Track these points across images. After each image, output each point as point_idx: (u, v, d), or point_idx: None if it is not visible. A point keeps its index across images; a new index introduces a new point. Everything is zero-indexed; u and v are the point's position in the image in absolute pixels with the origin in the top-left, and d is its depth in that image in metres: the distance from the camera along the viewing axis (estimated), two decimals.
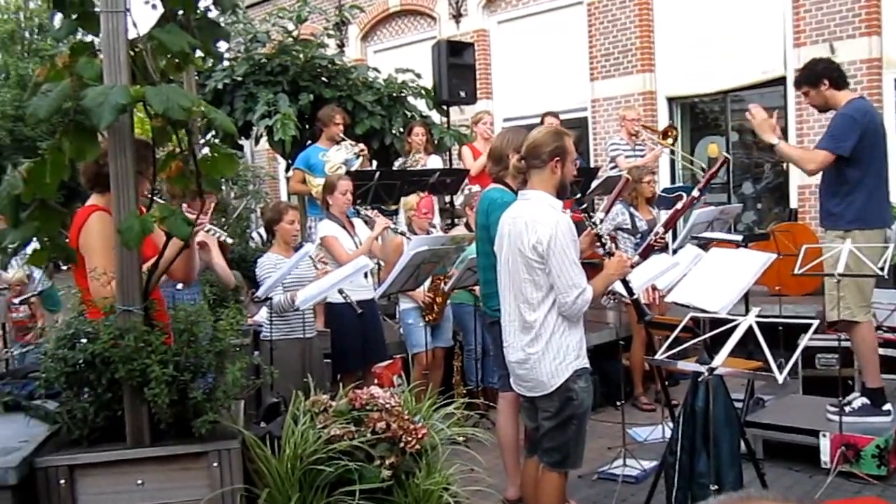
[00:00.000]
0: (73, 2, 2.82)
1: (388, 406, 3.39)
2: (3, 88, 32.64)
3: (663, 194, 7.74)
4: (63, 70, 2.76)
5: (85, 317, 3.05)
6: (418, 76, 9.20)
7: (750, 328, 3.38)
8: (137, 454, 2.93)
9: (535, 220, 3.52)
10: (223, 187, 9.71)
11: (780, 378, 3.11)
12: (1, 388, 3.33)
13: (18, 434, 3.05)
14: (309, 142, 8.07)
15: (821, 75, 5.06)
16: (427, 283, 6.01)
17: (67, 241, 3.23)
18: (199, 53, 3.33)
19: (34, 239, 3.01)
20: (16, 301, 7.26)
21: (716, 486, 3.52)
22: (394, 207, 7.53)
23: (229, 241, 4.78)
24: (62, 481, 2.85)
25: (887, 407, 4.99)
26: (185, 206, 3.59)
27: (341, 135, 7.49)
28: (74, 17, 2.90)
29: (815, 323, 3.45)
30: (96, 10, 2.86)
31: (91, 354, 2.86)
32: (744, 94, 10.70)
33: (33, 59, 33.02)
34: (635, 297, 3.90)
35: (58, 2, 2.84)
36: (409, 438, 3.30)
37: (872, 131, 4.95)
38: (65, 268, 8.88)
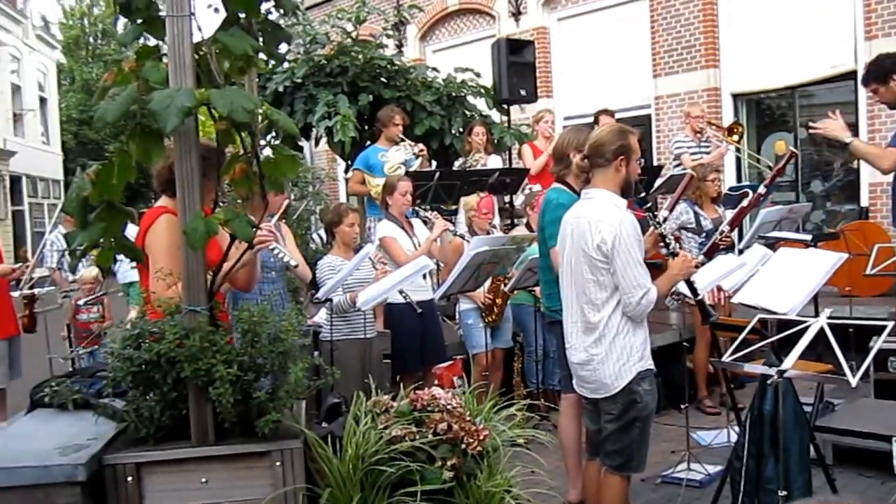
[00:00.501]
0: (139, 7, 2.86)
1: (449, 407, 3.37)
2: (68, 93, 33.76)
3: (729, 192, 7.57)
4: (130, 74, 2.80)
5: (148, 317, 3.09)
6: (478, 75, 9.17)
7: (820, 330, 3.28)
8: (202, 452, 2.96)
9: (599, 219, 3.47)
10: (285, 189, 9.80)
11: (854, 381, 3.01)
12: (70, 386, 3.40)
13: (87, 432, 3.10)
14: (368, 142, 8.11)
15: (890, 71, 4.88)
16: (486, 283, 5.99)
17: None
18: (261, 56, 3.35)
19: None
20: (81, 302, 7.42)
21: (784, 493, 3.42)
22: (453, 207, 7.53)
23: (293, 263, 4.91)
24: (129, 478, 2.89)
25: None
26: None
27: (401, 135, 7.50)
28: (140, 21, 2.94)
29: (890, 325, 3.33)
30: (162, 14, 2.90)
31: (157, 354, 2.89)
32: (812, 90, 10.42)
33: (97, 64, 34.11)
34: (700, 297, 3.81)
35: (124, 7, 2.88)
36: (471, 440, 3.28)
37: None
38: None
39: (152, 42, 3.00)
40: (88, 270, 7.37)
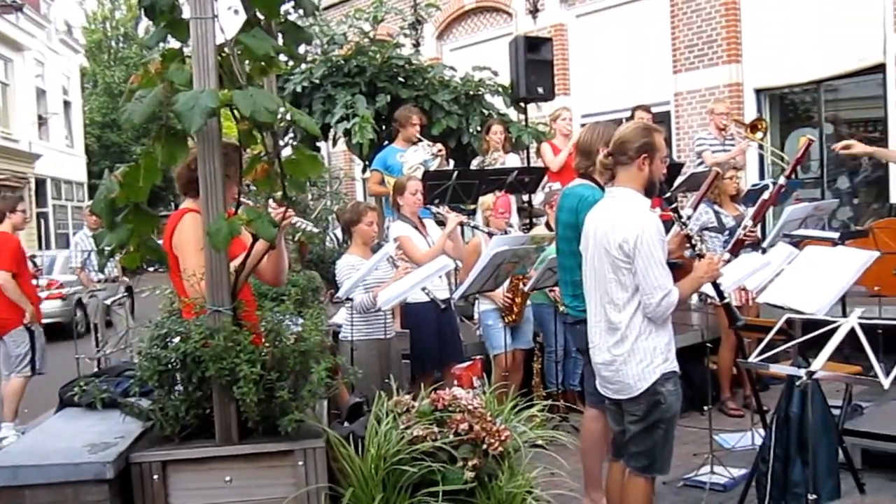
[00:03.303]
0: (164, 10, 2.88)
1: (470, 408, 3.37)
2: (91, 96, 34.07)
3: (751, 188, 7.50)
4: (155, 76, 2.83)
5: (180, 316, 3.12)
6: (495, 73, 9.15)
7: (850, 331, 3.24)
8: (226, 451, 2.99)
9: (621, 218, 3.44)
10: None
11: (887, 383, 2.96)
12: (98, 385, 3.44)
13: (114, 430, 3.16)
14: (386, 142, 8.12)
15: None
16: (506, 283, 5.97)
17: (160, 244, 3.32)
18: (281, 57, 3.36)
19: None
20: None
21: (814, 496, 3.38)
22: (472, 207, 7.51)
23: (314, 229, 4.71)
24: (155, 476, 2.94)
25: None
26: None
27: (418, 135, 7.50)
28: (164, 24, 2.96)
29: None
30: (185, 17, 2.91)
31: (182, 354, 2.93)
32: (838, 84, 10.26)
33: (119, 67, 34.40)
34: (727, 300, 3.76)
35: (148, 11, 2.90)
36: (492, 440, 3.27)
37: None
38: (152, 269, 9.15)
39: (175, 44, 3.01)
40: None
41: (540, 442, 3.70)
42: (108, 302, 7.55)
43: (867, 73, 9.79)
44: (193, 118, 2.60)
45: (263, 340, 3.06)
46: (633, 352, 3.46)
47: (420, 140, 7.51)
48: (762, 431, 4.38)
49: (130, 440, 3.05)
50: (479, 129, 8.65)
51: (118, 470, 2.87)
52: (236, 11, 2.98)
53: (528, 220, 8.21)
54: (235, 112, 2.83)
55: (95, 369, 5.99)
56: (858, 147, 5.17)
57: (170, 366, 2.98)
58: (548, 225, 6.28)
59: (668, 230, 3.62)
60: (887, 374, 3.03)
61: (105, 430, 3.17)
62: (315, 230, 4.91)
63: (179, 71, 2.79)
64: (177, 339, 2.98)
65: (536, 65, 9.05)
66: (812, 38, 10.03)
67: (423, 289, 5.33)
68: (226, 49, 2.90)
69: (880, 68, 9.55)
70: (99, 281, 9.08)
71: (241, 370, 2.88)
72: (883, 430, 4.90)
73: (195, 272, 3.09)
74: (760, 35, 10.65)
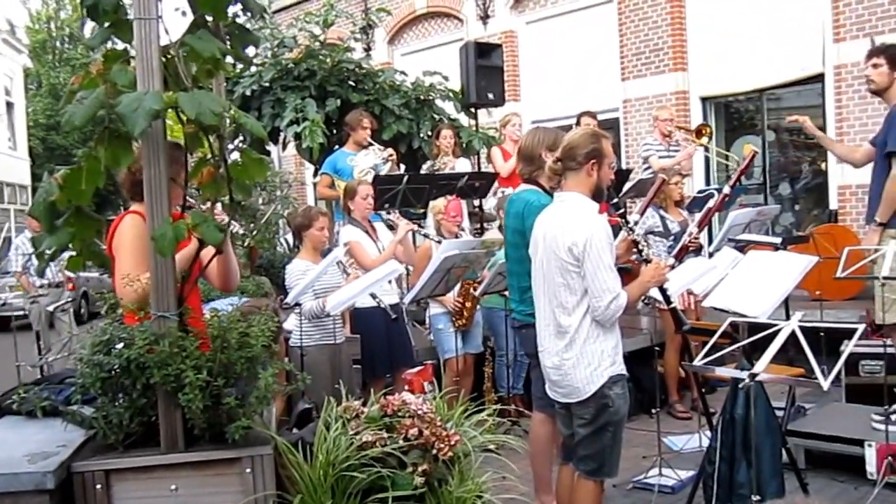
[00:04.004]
0: (107, 10, 2.83)
1: (420, 412, 3.36)
2: (35, 98, 33.29)
3: (696, 196, 7.64)
4: (97, 77, 2.78)
5: (122, 321, 3.06)
6: (446, 79, 9.19)
7: (791, 334, 3.30)
8: (171, 459, 2.93)
9: (570, 222, 3.47)
10: (252, 193, 9.75)
11: (826, 385, 3.03)
12: (38, 393, 3.36)
13: (56, 439, 3.08)
14: (336, 147, 8.08)
15: None
16: (456, 287, 5.98)
17: (103, 248, 3.25)
18: (228, 59, 3.33)
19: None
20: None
21: (757, 497, 3.44)
22: (422, 211, 7.51)
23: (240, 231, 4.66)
24: (98, 486, 2.86)
25: None
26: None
27: (369, 139, 7.48)
28: (107, 25, 2.90)
29: (861, 328, 3.37)
30: (129, 17, 2.86)
31: (126, 360, 2.87)
32: (780, 93, 10.54)
33: (64, 69, 33.67)
34: (673, 305, 3.81)
35: (91, 11, 2.84)
36: (442, 445, 3.26)
37: None
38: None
39: (120, 45, 2.96)
40: None
41: (490, 446, 3.70)
42: (50, 308, 7.37)
43: (807, 83, 10.08)
44: (137, 120, 2.55)
45: (210, 346, 3.01)
46: (581, 355, 3.49)
47: (371, 144, 7.50)
48: (709, 433, 4.45)
49: (72, 449, 2.96)
50: (429, 133, 8.67)
51: (59, 480, 2.79)
52: (183, 13, 2.94)
53: (479, 225, 8.24)
54: (181, 114, 2.79)
55: (38, 377, 5.83)
56: (809, 123, 5.44)
57: (113, 372, 2.91)
58: (501, 229, 6.30)
59: (615, 235, 3.66)
60: (827, 375, 3.10)
61: (46, 438, 3.08)
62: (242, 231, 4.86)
63: (123, 72, 2.73)
64: (120, 346, 2.93)
65: (487, 71, 9.10)
66: (755, 48, 10.28)
67: (373, 296, 5.31)
68: (171, 51, 2.86)
69: (819, 78, 9.84)
70: (41, 286, 8.87)
71: (186, 376, 2.83)
72: (825, 431, 5.02)
73: (128, 274, 3.04)
74: (705, 44, 10.89)
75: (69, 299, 7.62)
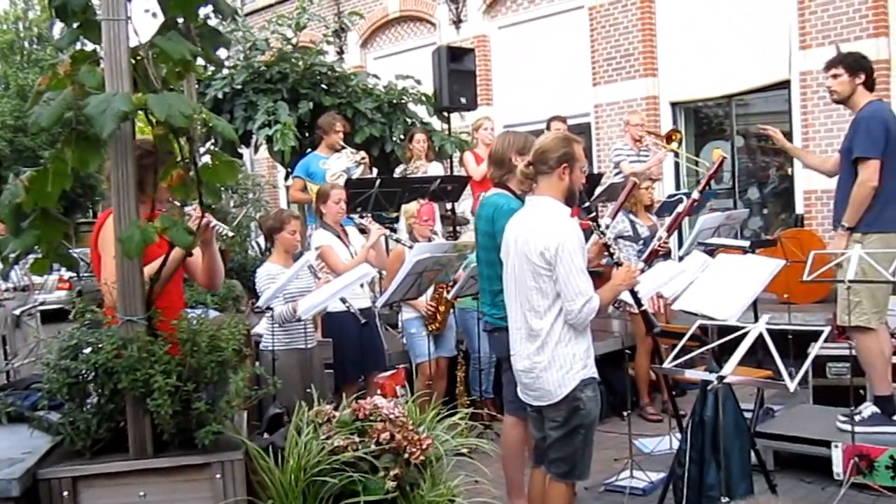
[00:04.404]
0: (75, 11, 2.80)
1: (392, 416, 3.35)
2: (2, 99, 32.75)
3: (667, 199, 7.71)
4: (65, 79, 2.75)
5: (92, 326, 3.02)
6: (418, 83, 9.19)
7: (759, 336, 3.34)
8: (140, 465, 2.90)
9: (542, 226, 3.49)
10: (223, 196, 9.68)
11: (792, 386, 3.07)
12: (4, 399, 3.31)
13: (21, 445, 3.04)
14: (309, 150, 8.05)
15: (862, 68, 5.06)
16: (429, 291, 5.97)
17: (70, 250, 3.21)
18: (199, 61, 3.30)
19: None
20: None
21: (726, 499, 3.47)
22: (395, 215, 7.50)
23: (230, 233, 4.60)
24: (65, 493, 2.83)
25: None
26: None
27: (341, 143, 7.47)
28: (76, 25, 2.87)
29: (827, 330, 3.41)
30: (98, 18, 2.84)
31: (94, 365, 2.83)
32: (748, 98, 10.68)
33: (33, 70, 33.11)
34: (644, 308, 3.84)
35: (60, 11, 2.81)
36: (414, 449, 3.26)
37: (894, 134, 4.93)
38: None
39: (89, 46, 2.93)
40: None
41: (463, 450, 3.70)
42: (17, 312, 7.26)
43: (774, 89, 10.22)
44: (106, 122, 2.53)
45: (180, 350, 2.98)
46: (553, 359, 3.50)
47: (343, 147, 7.48)
48: (680, 435, 4.48)
49: (39, 456, 2.93)
50: (402, 137, 8.67)
51: (25, 487, 2.75)
52: (154, 14, 2.91)
53: (452, 229, 8.24)
54: (150, 116, 2.76)
55: (4, 382, 5.75)
56: (780, 137, 5.49)
57: (80, 378, 2.88)
58: None
59: (586, 239, 3.68)
60: (794, 377, 3.14)
61: (11, 445, 3.04)
62: (230, 233, 4.78)
63: (91, 73, 2.71)
64: (88, 350, 2.89)
65: (459, 75, 9.12)
66: (723, 55, 10.41)
67: (344, 301, 5.29)
68: (140, 52, 2.83)
69: (786, 84, 9.99)
70: (7, 290, 8.73)
71: (155, 381, 2.80)
72: (793, 432, 5.08)
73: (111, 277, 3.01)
74: (675, 51, 10.99)
75: (36, 303, 7.50)
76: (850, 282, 4.66)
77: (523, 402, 3.75)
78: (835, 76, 5.12)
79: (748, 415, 4.94)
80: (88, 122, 2.60)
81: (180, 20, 2.90)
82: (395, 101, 9.00)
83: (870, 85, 5.08)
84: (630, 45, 11.24)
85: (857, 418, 4.82)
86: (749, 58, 10.20)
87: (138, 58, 2.84)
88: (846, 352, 5.44)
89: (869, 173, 4.87)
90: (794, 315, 7.29)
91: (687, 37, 10.83)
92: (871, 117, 4.94)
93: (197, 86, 7.48)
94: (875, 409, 4.97)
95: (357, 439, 3.22)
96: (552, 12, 12.30)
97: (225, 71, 8.47)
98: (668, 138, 8.60)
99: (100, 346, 2.85)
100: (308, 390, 3.84)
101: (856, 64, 5.08)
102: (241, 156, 10.72)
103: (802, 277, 4.88)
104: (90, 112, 2.56)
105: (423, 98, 9.16)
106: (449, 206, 8.20)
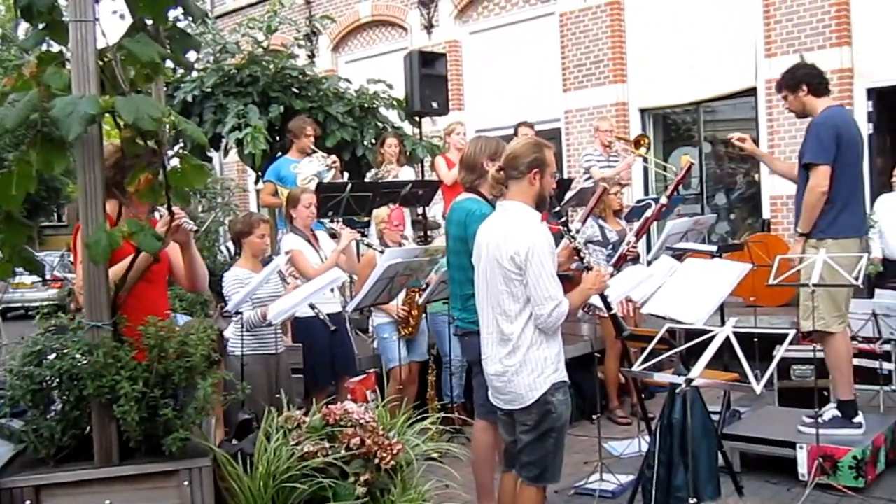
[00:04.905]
0: (41, 11, 2.76)
1: (362, 422, 3.34)
2: None
3: (636, 204, 7.77)
4: (30, 80, 2.71)
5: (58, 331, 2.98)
6: (390, 87, 9.17)
7: (726, 339, 3.38)
8: (106, 473, 2.86)
9: (513, 230, 3.50)
10: (191, 200, 9.59)
11: (758, 389, 3.10)
12: None
13: None
14: (279, 154, 8.01)
15: (801, 81, 5.10)
16: (401, 296, 5.96)
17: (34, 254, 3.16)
18: (169, 64, 3.28)
19: None
20: None
21: (694, 500, 3.50)
22: (366, 219, 7.48)
23: (193, 227, 4.53)
24: (28, 502, 2.78)
25: (858, 419, 4.98)
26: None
27: (312, 146, 7.43)
28: (42, 26, 2.84)
29: (792, 333, 3.46)
30: (65, 19, 2.80)
31: (58, 371, 2.79)
32: (716, 105, 10.83)
33: None
34: (613, 311, 3.87)
35: (25, 12, 2.77)
36: (384, 454, 3.26)
37: (848, 139, 4.97)
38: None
39: (55, 48, 2.89)
40: None
41: (433, 455, 3.70)
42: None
43: (741, 96, 10.38)
44: (72, 125, 2.50)
45: (147, 356, 2.95)
46: (524, 362, 3.51)
47: (314, 151, 7.45)
48: (649, 438, 4.52)
49: (0, 464, 2.88)
50: (373, 141, 8.65)
51: None
52: (122, 16, 2.88)
53: (422, 233, 8.24)
54: (118, 119, 2.73)
55: None
56: (749, 143, 5.48)
57: (44, 384, 2.83)
58: None
59: (557, 243, 3.70)
60: (759, 379, 3.18)
61: None
62: (193, 227, 4.71)
63: (57, 75, 2.67)
64: (52, 356, 2.85)
65: (431, 79, 9.13)
66: (691, 62, 10.56)
67: (312, 307, 5.26)
68: (108, 54, 2.80)
69: (752, 91, 10.14)
70: None
71: (121, 388, 2.77)
72: (759, 434, 5.14)
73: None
74: (644, 58, 11.11)
75: None
76: (815, 286, 4.72)
77: (494, 406, 3.75)
78: (784, 98, 5.23)
79: (715, 417, 4.99)
80: (54, 125, 2.57)
81: (149, 22, 2.86)
82: (366, 105, 8.97)
83: (819, 90, 5.09)
84: (600, 51, 11.34)
85: (819, 421, 4.90)
86: (716, 65, 10.35)
87: (106, 60, 2.81)
88: (810, 354, 5.53)
89: (818, 179, 4.92)
90: (760, 318, 7.38)
91: (656, 44, 10.96)
92: (822, 123, 4.98)
93: (166, 88, 7.43)
94: (836, 412, 5.04)
95: (327, 445, 3.21)
96: (523, 18, 12.38)
97: (195, 74, 8.38)
98: (637, 144, 8.68)
99: (65, 351, 2.81)
100: (277, 396, 3.82)
101: (792, 81, 5.14)
102: (210, 159, 10.64)
103: (768, 281, 4.95)
104: (56, 114, 2.53)
105: (395, 102, 9.15)
106: (420, 210, 8.19)
